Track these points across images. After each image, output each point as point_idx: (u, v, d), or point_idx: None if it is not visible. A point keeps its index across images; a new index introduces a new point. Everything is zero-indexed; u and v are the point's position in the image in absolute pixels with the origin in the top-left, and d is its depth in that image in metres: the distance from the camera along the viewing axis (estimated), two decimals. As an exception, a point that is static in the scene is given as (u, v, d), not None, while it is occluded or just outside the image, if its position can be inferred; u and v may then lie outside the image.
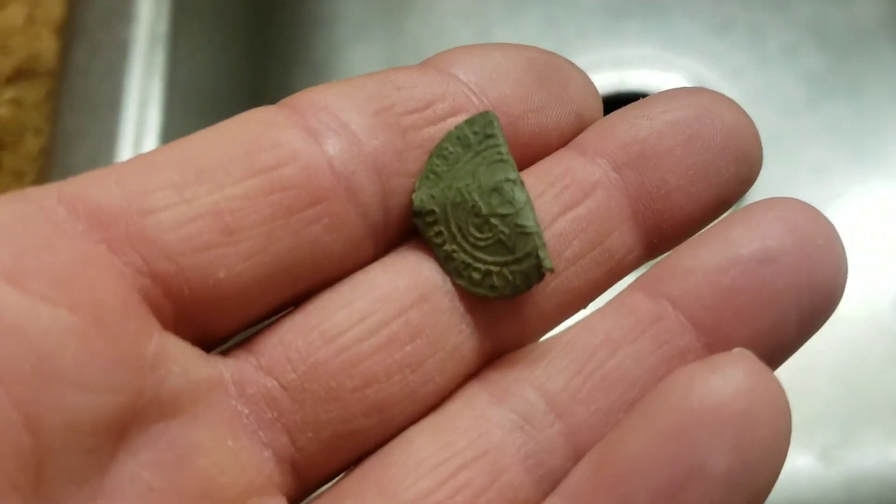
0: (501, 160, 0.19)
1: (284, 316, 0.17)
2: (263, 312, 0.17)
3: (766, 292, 0.17)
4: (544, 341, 0.18)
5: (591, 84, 0.21)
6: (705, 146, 0.19)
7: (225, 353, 0.17)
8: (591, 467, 0.16)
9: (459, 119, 0.19)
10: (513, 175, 0.18)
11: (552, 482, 0.17)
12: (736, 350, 0.16)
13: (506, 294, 0.18)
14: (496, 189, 0.18)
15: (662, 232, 0.19)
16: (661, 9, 0.45)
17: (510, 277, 0.18)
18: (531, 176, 0.19)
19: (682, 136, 0.19)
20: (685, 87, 0.20)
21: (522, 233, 0.18)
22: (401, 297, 0.18)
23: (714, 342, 0.18)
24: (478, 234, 0.18)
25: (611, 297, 0.19)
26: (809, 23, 0.43)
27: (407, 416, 0.18)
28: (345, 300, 0.17)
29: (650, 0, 0.45)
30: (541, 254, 0.18)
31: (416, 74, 0.19)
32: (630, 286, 0.19)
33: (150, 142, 0.36)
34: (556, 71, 0.20)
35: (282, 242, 0.17)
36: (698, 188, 0.19)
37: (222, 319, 0.17)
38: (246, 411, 0.17)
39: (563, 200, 0.19)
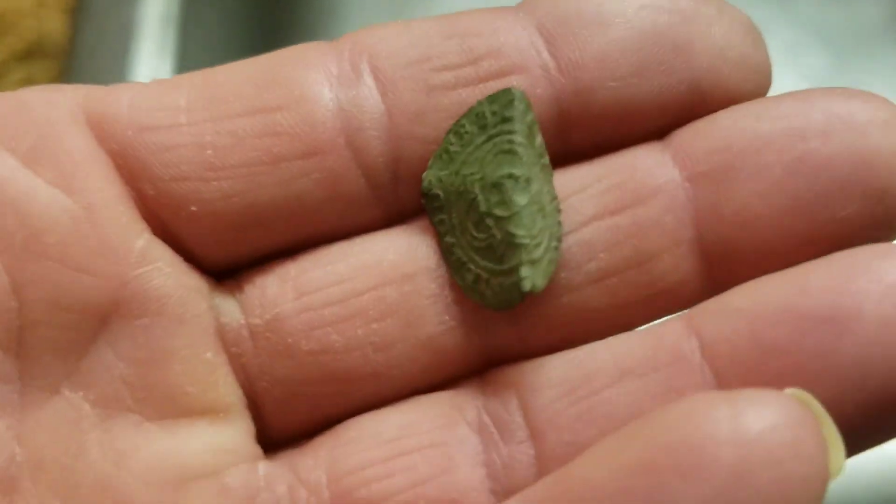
0: (511, 151, 0.16)
1: (279, 261, 0.17)
2: (245, 254, 0.17)
3: (818, 364, 0.14)
4: (556, 354, 0.17)
5: (742, 45, 0.17)
6: (818, 170, 0.15)
7: (218, 284, 0.17)
8: (552, 483, 0.14)
9: (511, 81, 0.17)
10: (519, 171, 0.16)
11: (505, 496, 0.16)
12: (788, 390, 0.13)
13: (491, 306, 0.16)
14: (497, 185, 0.16)
15: (731, 267, 0.16)
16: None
17: (496, 289, 0.16)
18: (585, 166, 0.17)
19: (790, 151, 0.16)
20: (839, 89, 0.16)
21: (511, 242, 0.16)
22: (383, 271, 0.17)
23: None
24: (474, 233, 0.16)
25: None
26: (812, 23, 0.43)
27: (369, 397, 0.17)
28: (328, 260, 0.17)
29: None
30: (523, 271, 0.16)
31: (487, 19, 0.17)
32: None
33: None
34: (681, 23, 0.17)
35: (264, 190, 0.16)
36: (792, 222, 0.16)
37: (201, 251, 0.17)
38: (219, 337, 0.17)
39: (604, 202, 0.16)
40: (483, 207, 0.16)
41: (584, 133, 0.17)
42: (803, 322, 0.14)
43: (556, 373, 0.16)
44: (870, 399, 0.14)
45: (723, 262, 0.16)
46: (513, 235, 0.16)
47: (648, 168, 0.16)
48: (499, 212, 0.16)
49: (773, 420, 0.12)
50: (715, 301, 0.15)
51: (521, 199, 0.16)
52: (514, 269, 0.16)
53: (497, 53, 0.17)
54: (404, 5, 0.44)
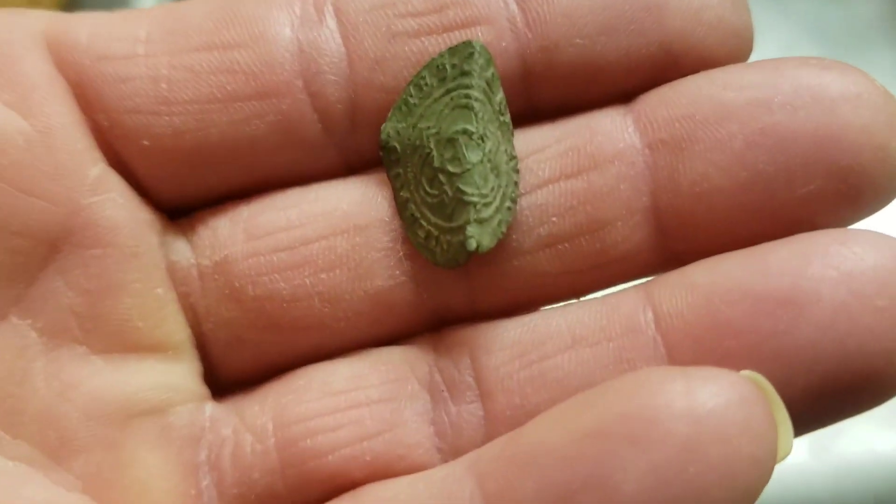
0: (467, 106, 0.16)
1: (233, 202, 0.17)
2: (198, 193, 0.17)
3: (771, 345, 0.14)
4: (507, 315, 0.16)
5: (720, 7, 0.16)
6: (780, 144, 0.15)
7: (170, 221, 0.17)
8: (504, 444, 0.14)
9: (476, 33, 0.16)
10: (473, 127, 0.16)
11: (452, 455, 0.16)
12: (743, 372, 0.13)
13: (440, 264, 0.16)
14: (451, 141, 0.16)
15: (688, 240, 0.16)
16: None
17: (445, 247, 0.16)
18: (547, 126, 0.17)
19: (753, 123, 0.15)
20: (815, 59, 0.15)
21: (461, 200, 0.16)
22: (335, 221, 0.16)
23: None
24: (427, 189, 0.16)
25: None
26: (808, 22, 0.43)
27: (317, 348, 0.17)
28: (282, 205, 0.17)
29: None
30: (469, 230, 0.15)
31: None
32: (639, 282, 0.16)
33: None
34: None
35: (216, 128, 0.16)
36: (751, 196, 0.15)
37: (154, 186, 0.17)
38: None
39: (560, 164, 0.16)
40: (436, 163, 0.16)
41: (548, 90, 0.16)
42: (760, 303, 0.14)
43: (510, 335, 0.16)
44: (819, 383, 0.14)
45: (679, 234, 0.16)
46: (462, 192, 0.16)
47: (608, 132, 0.16)
48: (451, 168, 0.16)
49: (725, 398, 0.12)
50: (673, 275, 0.15)
51: (473, 157, 0.16)
52: (462, 228, 0.15)
53: (464, 2, 0.16)
54: None
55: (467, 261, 0.16)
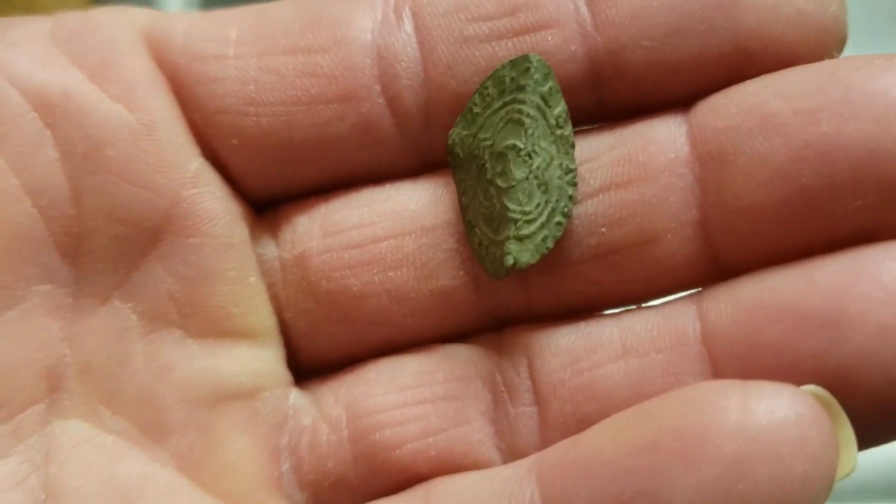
0: (518, 121, 0.16)
1: (313, 198, 0.18)
2: (284, 189, 0.17)
3: (810, 365, 0.14)
4: (564, 318, 0.17)
5: (799, 3, 0.15)
6: (826, 158, 0.14)
7: (257, 215, 0.18)
8: (563, 450, 0.15)
9: (546, 38, 0.16)
10: (522, 143, 0.16)
11: (511, 454, 0.16)
12: (806, 387, 0.13)
13: (488, 273, 0.16)
14: (501, 155, 0.16)
15: (737, 253, 0.15)
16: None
17: (491, 258, 0.16)
18: (605, 133, 0.16)
19: (798, 136, 0.14)
20: (877, 58, 0.14)
21: (505, 215, 0.16)
22: (403, 221, 0.17)
23: None
24: (482, 199, 0.16)
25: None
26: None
27: (387, 342, 0.17)
28: (356, 203, 0.17)
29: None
30: (508, 246, 0.16)
31: None
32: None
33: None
34: None
35: (300, 130, 0.17)
36: (796, 212, 0.14)
37: (244, 182, 0.17)
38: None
39: (612, 173, 0.16)
40: (489, 175, 0.16)
41: (619, 93, 0.16)
42: (802, 321, 0.14)
43: (564, 341, 0.16)
44: (862, 407, 0.14)
45: (729, 248, 0.15)
46: (506, 208, 0.16)
47: (662, 141, 0.16)
48: (500, 182, 0.16)
49: (782, 415, 0.13)
50: (723, 289, 0.15)
51: (519, 173, 0.16)
52: (503, 242, 0.16)
53: (534, 5, 0.16)
54: None
55: (507, 275, 0.16)
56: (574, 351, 0.16)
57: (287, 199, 0.18)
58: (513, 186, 0.16)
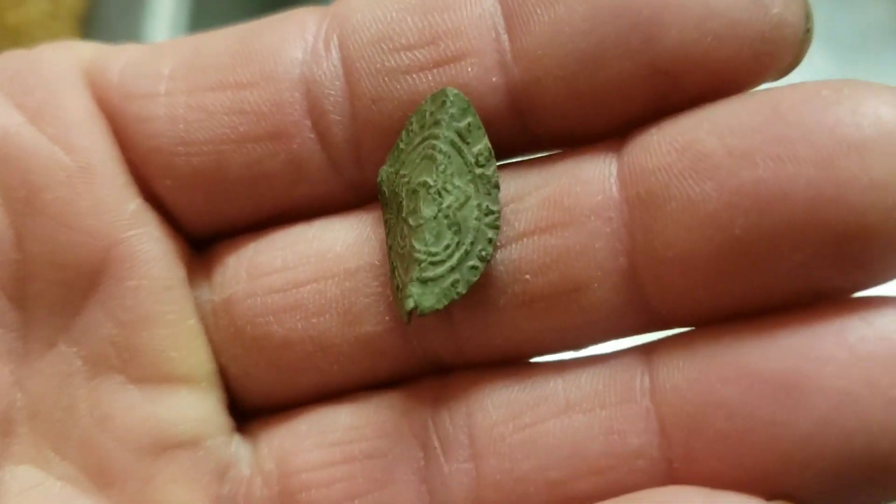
0: (431, 157, 0.15)
1: (244, 237, 0.17)
2: (220, 225, 0.17)
3: (767, 432, 0.13)
4: (514, 367, 0.16)
5: (734, 9, 0.13)
6: (763, 205, 0.13)
7: (193, 254, 0.18)
8: None
9: (466, 69, 0.15)
10: (433, 179, 0.15)
11: None
12: (775, 502, 0.13)
13: (400, 315, 0.15)
14: (414, 192, 0.15)
15: (673, 304, 0.14)
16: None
17: (401, 300, 0.15)
18: (534, 170, 0.15)
19: (731, 180, 0.13)
20: (829, 84, 0.13)
21: (412, 256, 0.15)
22: (327, 263, 0.16)
23: (676, 459, 0.13)
24: (399, 239, 0.15)
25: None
26: (819, 26, 0.43)
27: (317, 389, 0.16)
28: (283, 244, 0.17)
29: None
30: (410, 289, 0.15)
31: None
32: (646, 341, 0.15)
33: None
34: None
35: (232, 168, 0.16)
36: (732, 265, 0.13)
37: (183, 219, 0.17)
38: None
39: (536, 216, 0.15)
40: (405, 212, 0.15)
41: (542, 125, 0.15)
42: (758, 384, 0.13)
43: (506, 393, 0.15)
44: (819, 478, 0.13)
45: (662, 298, 0.14)
46: (413, 248, 0.15)
47: (589, 182, 0.14)
48: (411, 220, 0.15)
49: None
50: (676, 340, 0.14)
51: (427, 211, 0.15)
52: (405, 286, 0.15)
53: (455, 32, 0.15)
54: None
55: (410, 320, 0.15)
56: (517, 404, 0.15)
57: (224, 236, 0.17)
58: (420, 225, 0.15)
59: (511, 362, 0.16)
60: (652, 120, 0.14)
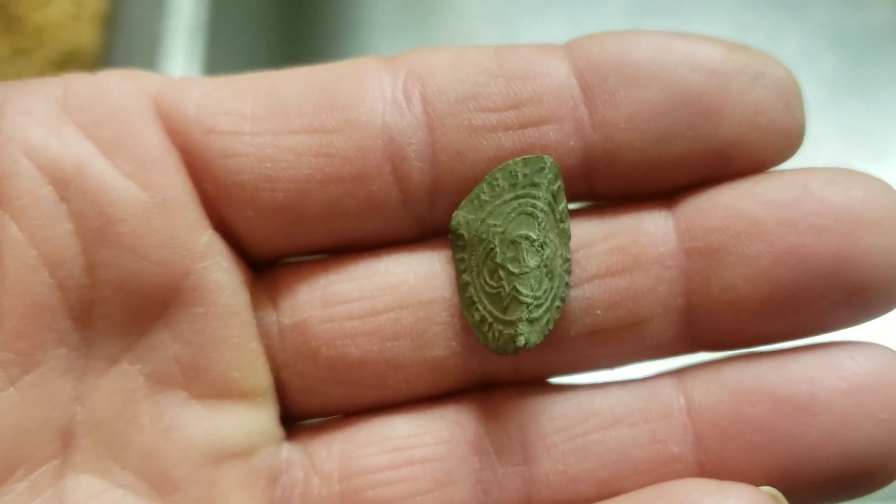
0: (532, 214, 0.17)
1: (312, 266, 0.18)
2: (289, 252, 0.18)
3: (786, 443, 0.16)
4: (557, 385, 0.18)
5: (774, 110, 0.17)
6: (804, 264, 0.16)
7: (257, 279, 0.19)
8: None
9: (548, 132, 0.17)
10: (536, 234, 0.17)
11: None
12: (765, 488, 0.16)
13: (490, 348, 0.17)
14: (514, 243, 0.17)
15: (714, 334, 0.17)
16: (683, 14, 0.46)
17: (496, 335, 0.17)
18: (597, 221, 0.18)
19: (781, 243, 0.16)
20: (841, 173, 0.17)
21: (516, 298, 0.17)
22: (402, 294, 0.18)
23: (708, 464, 0.17)
24: (487, 279, 0.18)
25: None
26: (825, 27, 0.44)
27: (379, 401, 0.18)
28: (359, 273, 0.18)
29: (672, 6, 0.46)
30: (520, 328, 0.17)
31: (535, 59, 0.17)
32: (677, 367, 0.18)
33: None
34: (715, 89, 0.17)
35: (314, 205, 0.17)
36: (774, 306, 0.17)
37: (252, 247, 0.18)
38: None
39: (607, 262, 0.18)
40: (499, 259, 0.17)
41: (608, 184, 0.18)
42: (779, 405, 0.16)
43: (557, 409, 0.18)
44: (822, 477, 0.16)
45: (707, 330, 0.17)
46: (518, 292, 0.17)
47: (651, 235, 0.17)
48: (511, 267, 0.17)
49: None
50: (707, 368, 0.17)
51: (532, 261, 0.17)
52: (514, 323, 0.17)
53: (538, 100, 0.17)
54: (424, 14, 0.45)
55: (514, 353, 0.17)
56: (566, 418, 0.17)
57: (284, 259, 0.19)
58: (526, 273, 0.17)
59: (559, 375, 0.18)
60: (695, 186, 0.17)
